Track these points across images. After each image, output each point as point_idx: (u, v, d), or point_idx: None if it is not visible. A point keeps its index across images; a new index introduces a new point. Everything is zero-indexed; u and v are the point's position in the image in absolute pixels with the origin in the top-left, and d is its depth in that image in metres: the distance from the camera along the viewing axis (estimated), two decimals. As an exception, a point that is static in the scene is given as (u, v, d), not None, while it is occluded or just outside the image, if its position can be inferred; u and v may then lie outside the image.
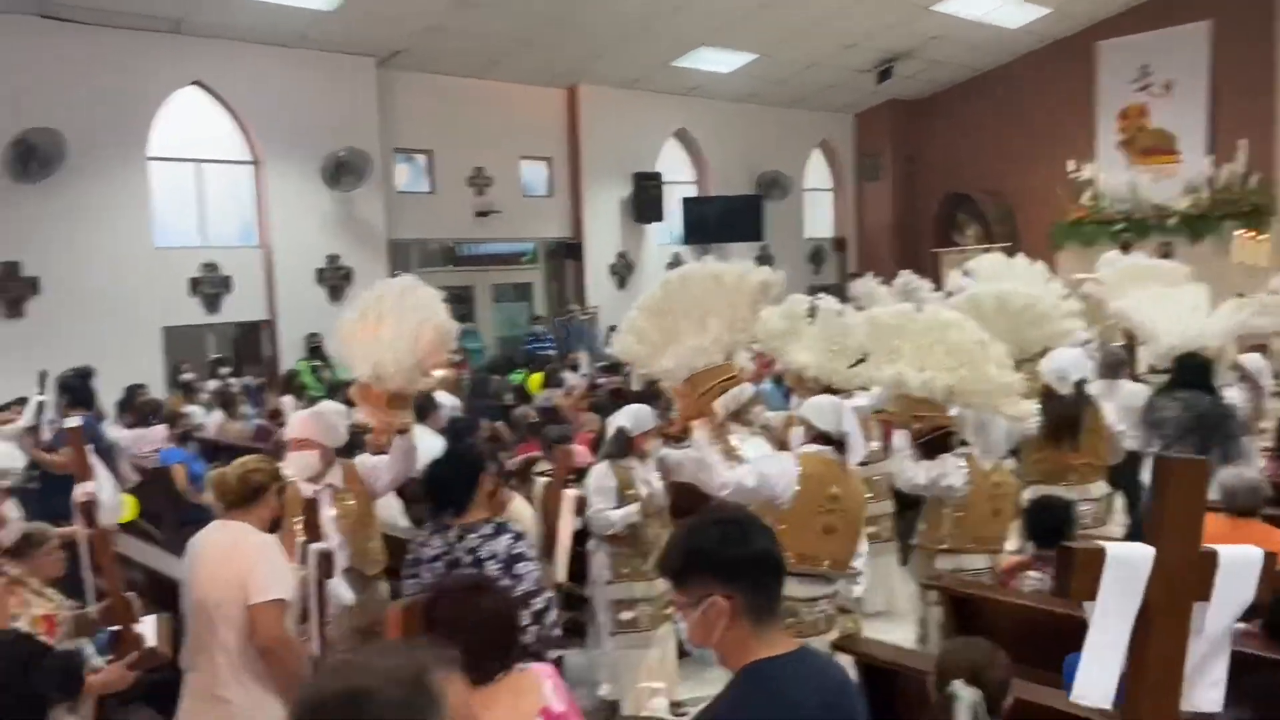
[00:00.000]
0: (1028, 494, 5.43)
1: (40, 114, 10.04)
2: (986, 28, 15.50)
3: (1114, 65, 16.16)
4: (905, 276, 10.66)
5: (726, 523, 2.12)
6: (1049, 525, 4.28)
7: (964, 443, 4.87)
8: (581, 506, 4.81)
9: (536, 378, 10.65)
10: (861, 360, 6.18)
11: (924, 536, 5.01)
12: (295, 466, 4.13)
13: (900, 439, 4.82)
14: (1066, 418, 5.49)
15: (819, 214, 19.31)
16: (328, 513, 3.96)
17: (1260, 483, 4.48)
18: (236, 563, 3.19)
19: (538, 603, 3.32)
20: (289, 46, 11.93)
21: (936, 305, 5.25)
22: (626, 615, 4.81)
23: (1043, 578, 4.11)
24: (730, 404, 5.31)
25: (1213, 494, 4.99)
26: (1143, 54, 15.82)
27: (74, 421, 3.91)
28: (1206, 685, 1.74)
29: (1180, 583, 1.66)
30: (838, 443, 4.14)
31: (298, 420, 4.42)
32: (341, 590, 3.45)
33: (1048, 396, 5.48)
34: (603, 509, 4.77)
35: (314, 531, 3.37)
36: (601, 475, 4.85)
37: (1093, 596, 1.63)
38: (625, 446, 4.90)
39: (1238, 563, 1.71)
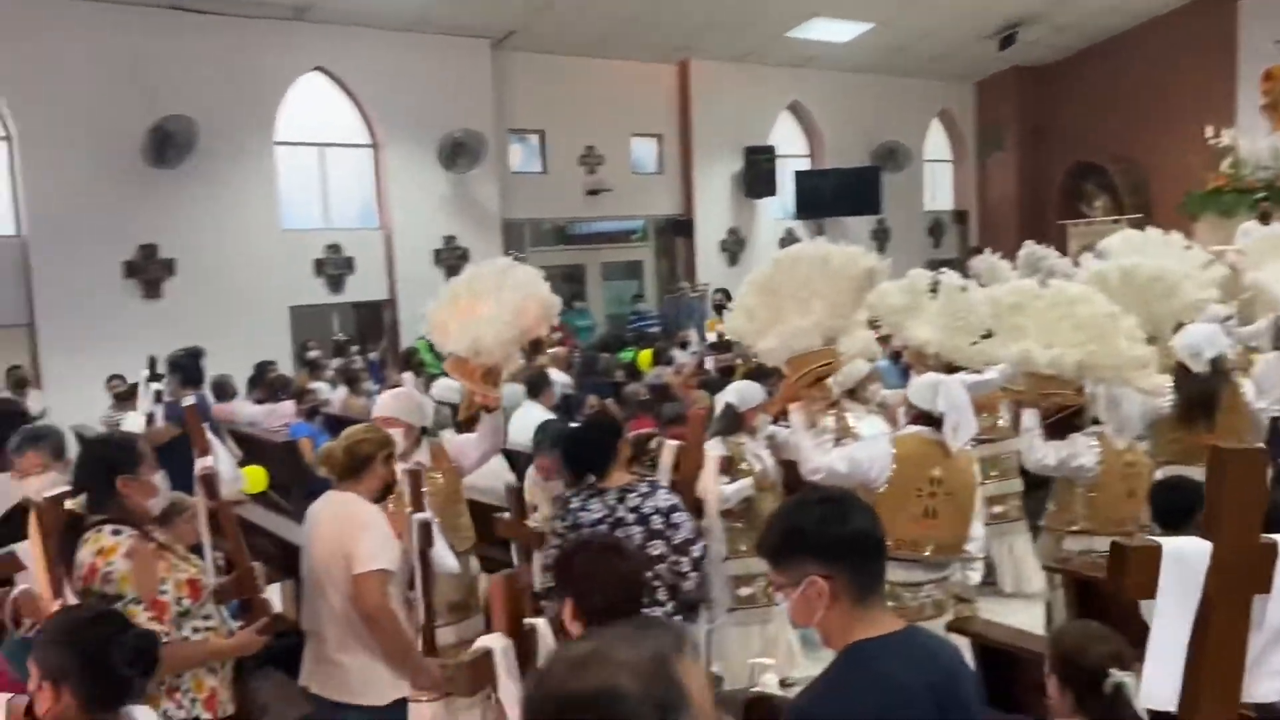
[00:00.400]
0: (1160, 475, 5.22)
1: (174, 102, 10.50)
2: (1118, -13, 14.77)
3: (1256, 24, 15.18)
4: (1030, 247, 10.19)
5: (826, 502, 2.10)
6: (1176, 507, 4.07)
7: (1096, 421, 4.70)
8: (728, 466, 4.80)
9: (646, 355, 10.67)
10: (986, 336, 6.00)
11: (1053, 518, 4.89)
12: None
13: (1029, 418, 4.67)
14: (1202, 396, 5.22)
15: (939, 186, 18.78)
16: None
17: None
18: (343, 533, 3.30)
19: (696, 550, 3.55)
20: (406, 30, 12.16)
21: (1060, 281, 5.03)
22: (745, 591, 4.81)
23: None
24: (846, 382, 5.26)
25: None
26: (1290, 10, 14.84)
27: (190, 399, 4.10)
28: (1266, 676, 1.69)
29: (1239, 575, 1.60)
30: (938, 423, 4.00)
31: (384, 400, 4.45)
32: (447, 559, 3.54)
33: (1182, 374, 5.24)
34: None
35: (416, 502, 3.45)
36: (714, 450, 4.84)
37: (1150, 594, 1.59)
38: (734, 422, 4.90)
39: None
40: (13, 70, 9.92)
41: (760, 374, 7.42)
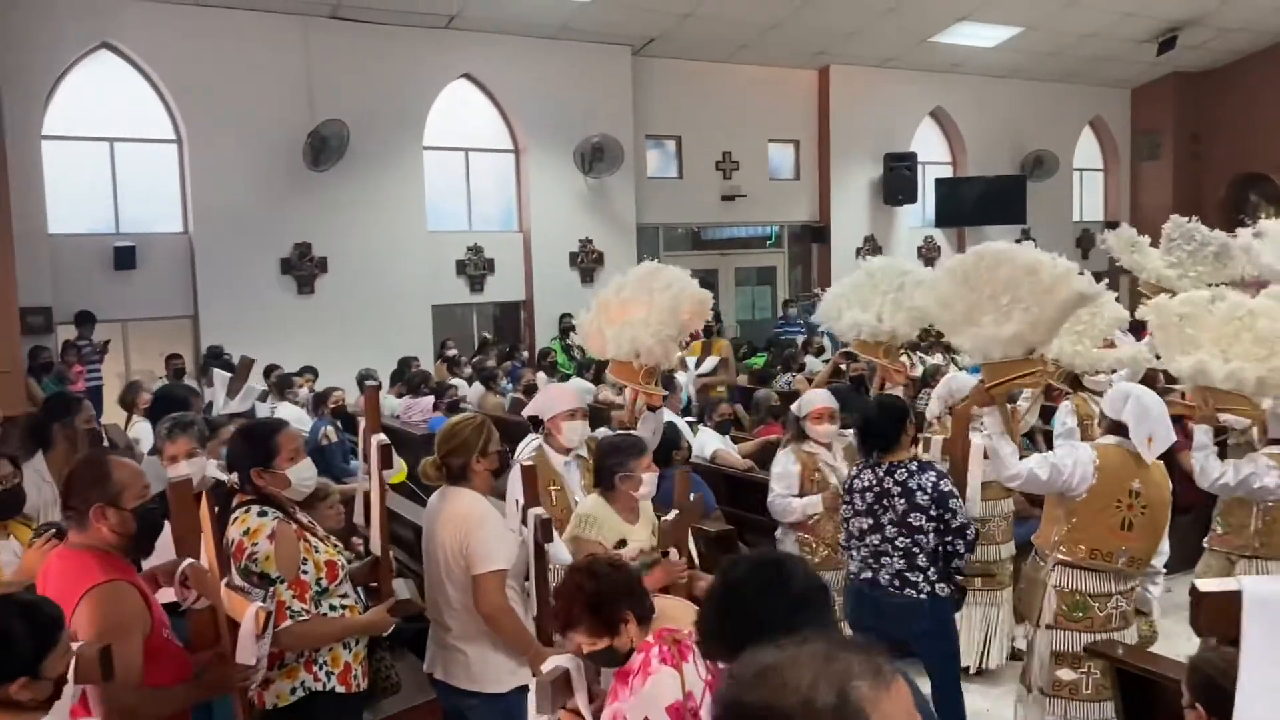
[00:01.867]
0: None
1: (331, 108, 11.03)
2: (1291, -13, 13.94)
3: None
4: (1176, 220, 9.06)
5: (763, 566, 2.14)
6: None
7: (1276, 441, 4.46)
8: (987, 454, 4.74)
9: (759, 360, 10.61)
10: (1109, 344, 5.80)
11: (1222, 541, 4.71)
12: (579, 434, 4.24)
13: (1202, 434, 4.46)
14: None
15: (1089, 196, 18.09)
16: (576, 480, 4.14)
17: None
18: (459, 532, 3.37)
19: (969, 533, 3.95)
20: (550, 38, 12.46)
21: (1237, 294, 4.69)
22: None
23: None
24: (950, 397, 5.13)
25: None
26: None
27: (373, 382, 4.38)
28: None
29: None
30: (1125, 431, 3.90)
31: (566, 393, 4.49)
32: (561, 552, 3.63)
33: None
34: (783, 495, 4.75)
35: (534, 496, 3.52)
36: (783, 461, 4.84)
37: (1231, 636, 1.54)
38: (799, 431, 4.88)
39: None
40: (184, 76, 10.60)
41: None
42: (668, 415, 6.86)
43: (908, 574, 3.96)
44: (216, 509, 3.10)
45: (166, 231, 10.89)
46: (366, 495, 3.68)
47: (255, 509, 3.11)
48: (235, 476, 3.23)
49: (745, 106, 14.32)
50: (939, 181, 15.91)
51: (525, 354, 12.02)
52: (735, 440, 7.13)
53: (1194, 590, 1.60)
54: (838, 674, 1.17)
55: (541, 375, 10.15)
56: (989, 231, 15.08)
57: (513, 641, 3.37)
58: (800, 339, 12.31)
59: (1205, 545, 4.84)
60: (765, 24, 12.98)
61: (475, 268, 12.56)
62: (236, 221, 10.83)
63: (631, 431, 4.44)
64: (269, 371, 9.62)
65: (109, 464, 2.77)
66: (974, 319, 4.00)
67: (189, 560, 2.71)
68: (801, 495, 4.77)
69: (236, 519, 3.09)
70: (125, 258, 10.39)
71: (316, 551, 3.17)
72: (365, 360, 9.85)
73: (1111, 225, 17.59)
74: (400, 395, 9.27)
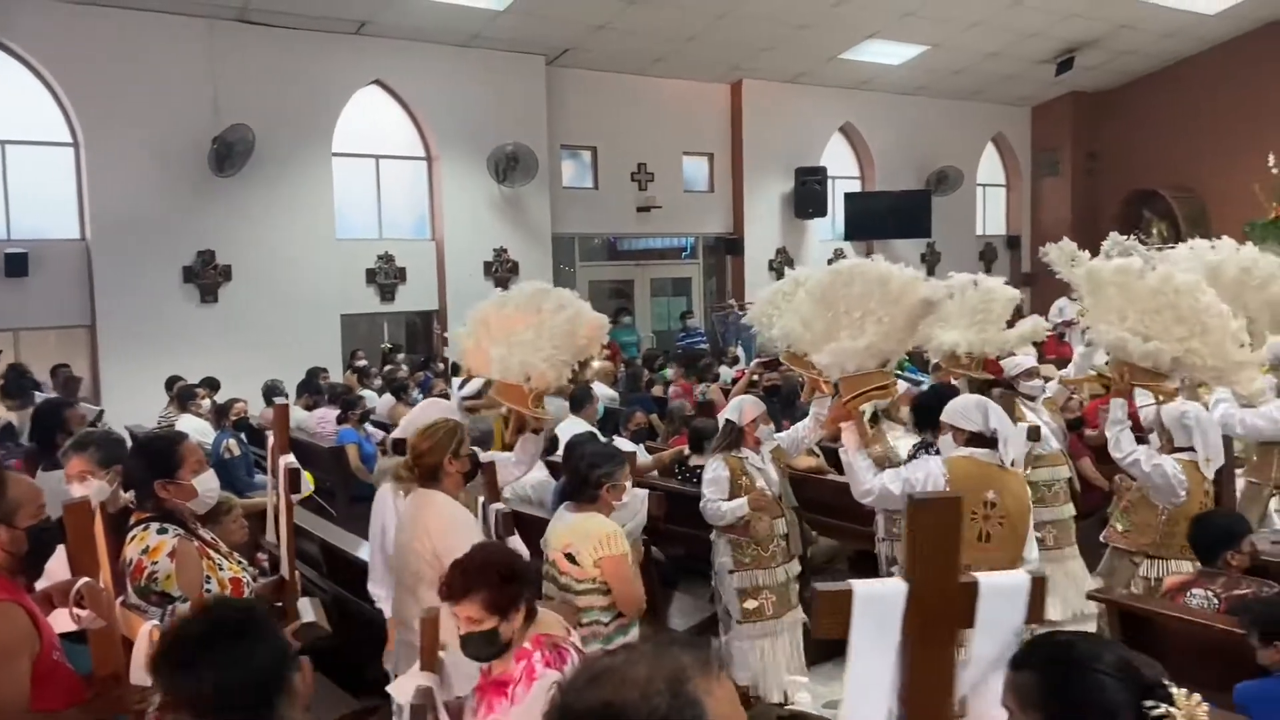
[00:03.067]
0: (1275, 503, 5.27)
1: (237, 112, 10.74)
2: (1181, 14, 14.57)
3: (1324, 51, 14.92)
4: (1117, 237, 9.69)
5: None
6: (1211, 542, 4.01)
7: (1191, 449, 4.60)
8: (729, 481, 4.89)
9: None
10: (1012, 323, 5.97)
11: (1125, 539, 4.76)
12: None
13: (1118, 409, 4.53)
14: None
15: (992, 210, 18.63)
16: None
17: None
18: (431, 534, 3.40)
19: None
20: (463, 46, 12.36)
21: (1171, 268, 4.80)
22: (751, 604, 4.81)
23: (1207, 595, 3.85)
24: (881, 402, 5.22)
25: None
26: (1359, 38, 14.55)
27: (281, 399, 4.25)
28: (990, 703, 1.76)
29: (938, 614, 1.66)
30: (990, 443, 3.91)
31: (434, 409, 4.39)
32: (520, 546, 3.65)
33: None
34: (715, 500, 4.78)
35: (493, 492, 3.57)
36: (715, 467, 4.88)
37: (843, 633, 1.62)
38: (736, 438, 4.92)
39: (1003, 590, 1.74)
40: (81, 77, 10.23)
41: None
42: (584, 425, 6.88)
43: None
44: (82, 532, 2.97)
45: (62, 238, 10.46)
46: (261, 512, 3.58)
47: (154, 526, 3.01)
48: (131, 494, 3.11)
49: (660, 118, 14.40)
50: (848, 196, 16.22)
51: (442, 365, 11.83)
52: (650, 450, 7.15)
53: (812, 589, 1.70)
54: (671, 668, 1.23)
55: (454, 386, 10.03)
56: (897, 245, 15.44)
57: None
58: (706, 347, 12.43)
59: (1103, 540, 4.90)
60: (680, 37, 13.08)
61: (386, 276, 12.36)
62: (136, 228, 10.47)
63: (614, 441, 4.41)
64: (171, 383, 9.34)
65: (4, 479, 2.64)
66: (833, 335, 4.05)
67: (84, 580, 2.58)
68: (731, 499, 4.79)
69: (134, 537, 2.98)
70: (17, 264, 9.96)
71: (220, 569, 3.08)
72: (271, 371, 9.62)
73: (1013, 240, 18.29)
74: (309, 407, 9.07)
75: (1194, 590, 3.95)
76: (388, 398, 9.51)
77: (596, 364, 10.07)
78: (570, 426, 6.64)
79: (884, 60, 14.94)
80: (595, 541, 3.59)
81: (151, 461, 3.10)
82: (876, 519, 5.46)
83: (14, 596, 2.55)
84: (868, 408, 4.75)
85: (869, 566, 5.71)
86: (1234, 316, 4.48)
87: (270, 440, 3.76)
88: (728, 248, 15.53)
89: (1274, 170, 14.49)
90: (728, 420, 4.98)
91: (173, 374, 9.47)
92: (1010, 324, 6.21)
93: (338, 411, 8.54)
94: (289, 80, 11.24)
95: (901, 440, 5.51)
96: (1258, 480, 5.45)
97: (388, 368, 10.88)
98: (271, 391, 9.22)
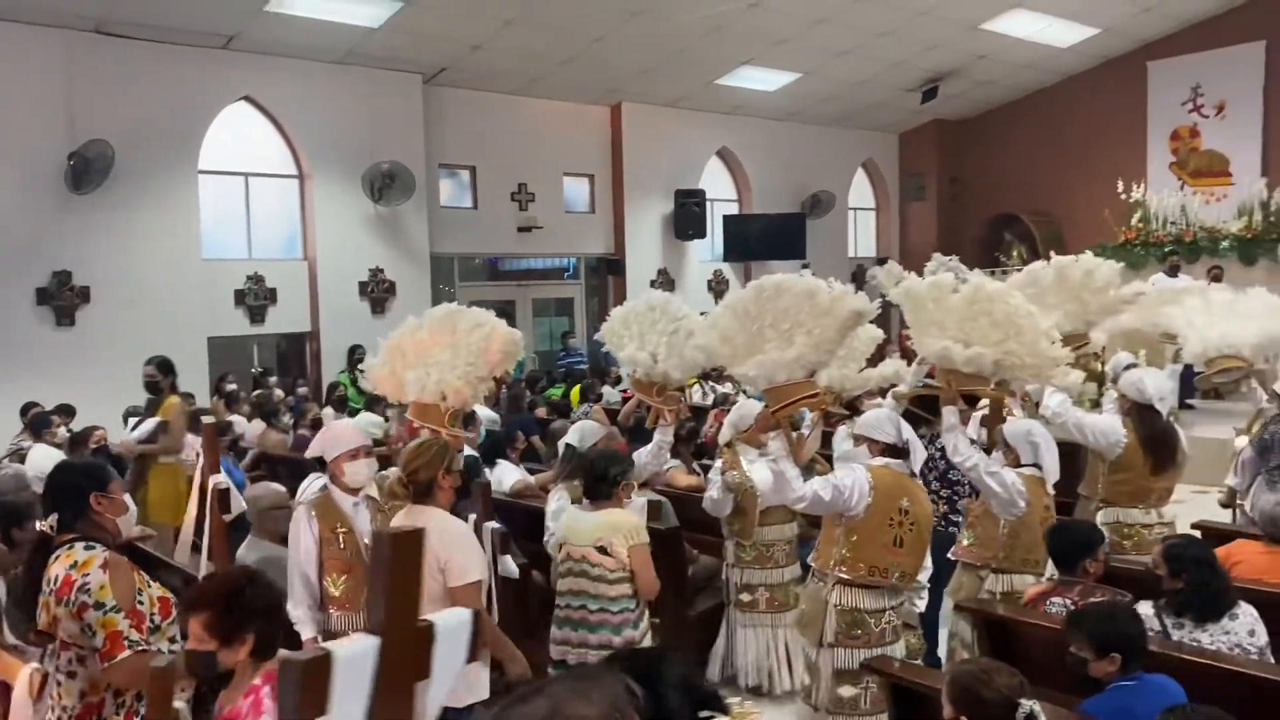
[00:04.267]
0: (1100, 517, 5.41)
1: (95, 128, 10.27)
2: (1036, 47, 15.36)
3: (1165, 86, 15.95)
4: (939, 258, 10.28)
5: None
6: (1069, 550, 4.20)
7: (1036, 466, 4.80)
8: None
9: (576, 392, 10.67)
10: (875, 362, 6.18)
11: (969, 552, 4.93)
12: (364, 474, 4.10)
13: (950, 415, 4.69)
14: (1166, 439, 5.39)
15: (863, 233, 19.22)
16: (367, 522, 3.99)
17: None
18: (436, 549, 3.48)
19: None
20: (337, 63, 12.12)
21: (978, 277, 5.07)
22: (746, 597, 5.11)
23: (1065, 603, 4.02)
24: (739, 423, 5.31)
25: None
26: (1194, 74, 15.61)
27: (209, 419, 4.36)
28: None
29: (402, 663, 1.59)
30: (903, 453, 4.18)
31: (350, 430, 4.35)
32: (510, 565, 3.89)
33: (1143, 416, 5.40)
34: (551, 529, 4.79)
35: (487, 511, 3.85)
36: (557, 499, 4.89)
37: (323, 710, 1.47)
38: (578, 466, 4.92)
39: (452, 630, 1.69)
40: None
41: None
42: (466, 450, 6.79)
43: None
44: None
45: (-101, 257, 9.82)
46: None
47: (80, 544, 2.99)
48: (52, 520, 3.05)
49: (540, 139, 14.40)
50: (727, 218, 16.52)
51: (304, 388, 11.51)
52: (532, 472, 7.10)
53: (285, 663, 1.52)
54: (607, 702, 1.29)
55: (329, 410, 9.78)
56: (773, 266, 15.73)
57: (498, 647, 3.70)
58: (583, 367, 12.44)
59: (951, 555, 5.03)
60: (558, 59, 13.12)
61: (256, 298, 11.97)
62: (-16, 247, 9.90)
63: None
64: (25, 409, 8.84)
65: None
66: (757, 348, 4.14)
67: None
68: None
69: (58, 557, 2.94)
70: None
71: (149, 585, 3.06)
72: (133, 397, 9.15)
73: (882, 261, 18.78)
74: (172, 434, 8.67)
75: (1053, 599, 4.12)
76: (257, 423, 9.19)
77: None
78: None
79: (759, 86, 15.29)
80: (625, 532, 4.05)
81: (87, 475, 3.12)
82: (726, 545, 5.50)
83: None
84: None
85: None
86: (1042, 315, 4.80)
87: (200, 463, 3.87)
88: (609, 268, 15.60)
89: (1123, 196, 15.39)
90: (568, 446, 4.98)
91: (28, 400, 8.95)
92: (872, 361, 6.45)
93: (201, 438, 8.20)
94: (152, 95, 10.81)
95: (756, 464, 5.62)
96: (1087, 494, 5.66)
97: (257, 392, 10.53)
98: (199, 415, 8.76)
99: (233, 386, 10.70)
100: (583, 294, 15.91)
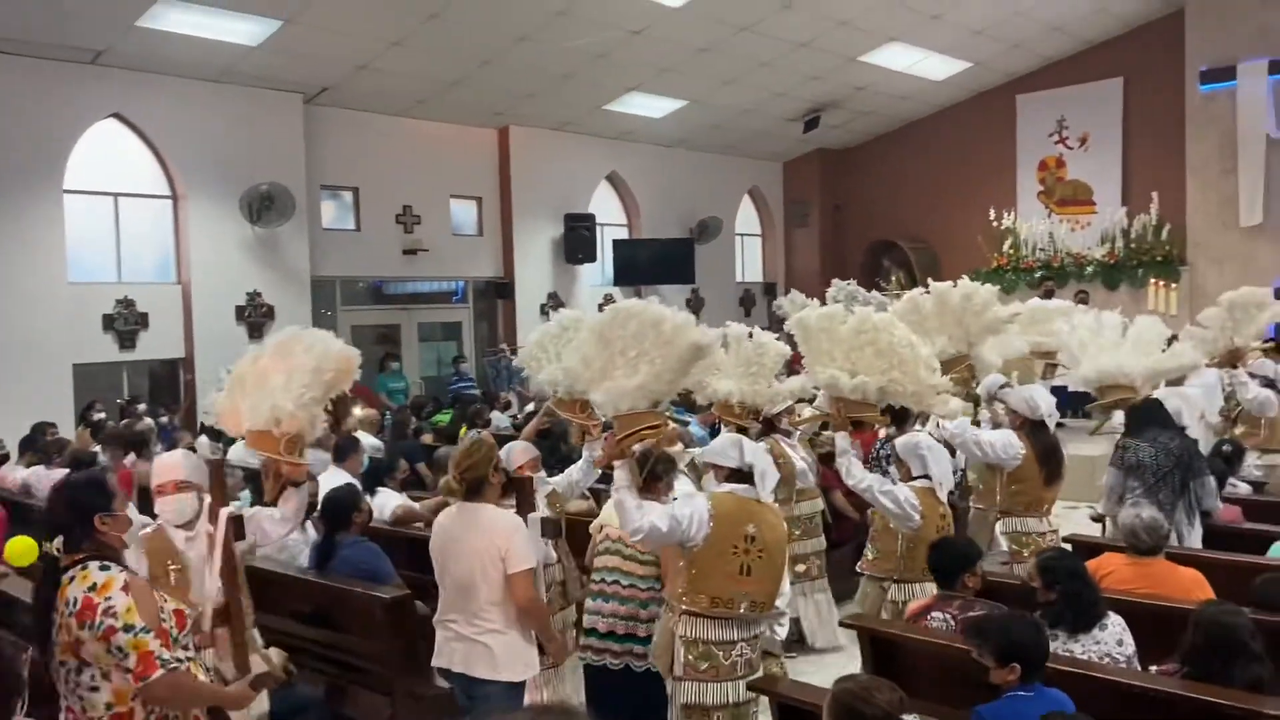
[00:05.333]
0: (1000, 526, 5.73)
1: (-52, 143, 9.73)
2: (911, 79, 15.91)
3: (1032, 118, 16.71)
4: (839, 284, 10.71)
5: None
6: (949, 565, 4.30)
7: (927, 477, 4.92)
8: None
9: (445, 417, 10.51)
10: (788, 373, 6.27)
11: (872, 565, 5.08)
12: (171, 511, 3.92)
13: (842, 440, 4.88)
14: (1055, 450, 5.73)
15: (750, 258, 19.54)
16: (203, 559, 3.82)
17: (1160, 521, 4.57)
18: (493, 540, 3.90)
19: None
20: (214, 81, 11.76)
21: (864, 309, 5.30)
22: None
23: (945, 618, 4.11)
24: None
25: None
26: (1059, 108, 16.40)
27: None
28: None
29: None
30: (750, 478, 4.06)
31: (173, 461, 4.13)
32: (551, 551, 4.32)
33: (1035, 431, 5.72)
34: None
35: (529, 504, 4.09)
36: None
37: None
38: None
39: None
40: None
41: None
42: (346, 477, 6.59)
43: None
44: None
45: None
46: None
47: (94, 565, 2.95)
48: (58, 542, 2.97)
49: (426, 161, 14.22)
50: (616, 242, 16.59)
51: (166, 417, 10.92)
52: (416, 500, 6.93)
53: None
54: None
55: (204, 439, 9.39)
56: (663, 290, 15.86)
57: (543, 628, 4.09)
58: (478, 393, 12.28)
59: (858, 569, 5.21)
60: (445, 81, 13.00)
61: (126, 322, 11.46)
62: None
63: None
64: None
65: None
66: (609, 374, 4.09)
67: None
68: None
69: (72, 579, 2.90)
70: None
71: (165, 600, 3.05)
72: (-4, 426, 8.68)
73: (769, 286, 19.22)
74: (31, 465, 8.21)
75: (934, 613, 4.21)
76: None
77: (359, 412, 9.73)
78: (332, 478, 6.34)
79: (646, 113, 15.43)
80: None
81: (90, 497, 3.03)
82: None
83: None
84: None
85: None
86: (923, 345, 5.03)
87: (206, 500, 3.88)
88: (498, 291, 15.46)
89: (995, 223, 16.04)
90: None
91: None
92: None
93: (65, 471, 7.77)
94: (11, 112, 10.28)
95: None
96: (983, 506, 5.94)
97: (125, 420, 10.05)
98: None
99: (100, 415, 10.20)
100: (471, 318, 15.72)
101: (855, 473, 4.78)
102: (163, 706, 2.94)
